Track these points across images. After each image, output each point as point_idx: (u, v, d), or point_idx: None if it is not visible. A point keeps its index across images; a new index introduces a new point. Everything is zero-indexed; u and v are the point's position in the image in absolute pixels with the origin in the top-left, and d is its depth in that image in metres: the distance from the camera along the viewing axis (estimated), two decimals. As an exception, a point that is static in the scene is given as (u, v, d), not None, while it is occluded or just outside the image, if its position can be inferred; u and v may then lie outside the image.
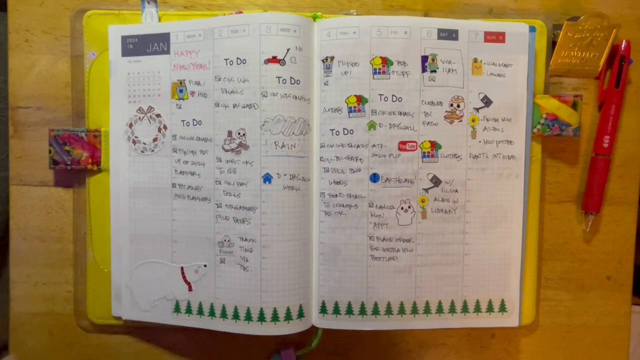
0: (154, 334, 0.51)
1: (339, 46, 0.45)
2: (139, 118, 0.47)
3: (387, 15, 0.48)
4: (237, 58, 0.45)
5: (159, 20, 0.48)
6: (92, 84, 0.48)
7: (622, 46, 0.48)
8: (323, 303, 0.47)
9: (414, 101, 0.46)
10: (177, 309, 0.47)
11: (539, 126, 0.48)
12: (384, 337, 0.51)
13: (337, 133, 0.46)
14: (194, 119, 0.46)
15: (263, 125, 0.44)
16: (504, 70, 0.47)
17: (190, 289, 0.47)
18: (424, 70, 0.46)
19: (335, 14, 0.48)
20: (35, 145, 0.49)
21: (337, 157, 0.46)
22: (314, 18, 0.46)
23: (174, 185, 0.47)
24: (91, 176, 0.48)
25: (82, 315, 0.50)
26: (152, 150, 0.47)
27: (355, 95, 0.45)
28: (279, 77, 0.44)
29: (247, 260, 0.45)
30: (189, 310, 0.47)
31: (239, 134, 0.45)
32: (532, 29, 0.47)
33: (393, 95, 0.45)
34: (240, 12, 0.46)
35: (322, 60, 0.45)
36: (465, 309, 0.48)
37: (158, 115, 0.47)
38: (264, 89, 0.44)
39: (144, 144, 0.47)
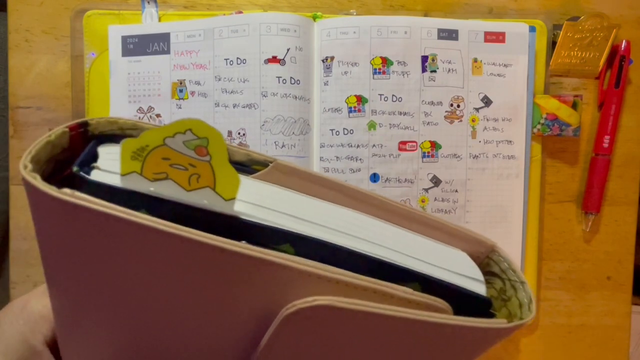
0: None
1: (339, 46, 0.45)
2: (139, 118, 0.47)
3: (387, 15, 0.48)
4: (237, 58, 0.45)
5: (159, 20, 0.48)
6: (92, 84, 0.48)
7: (622, 46, 0.48)
8: (323, 303, 0.47)
9: (414, 101, 0.46)
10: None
11: (539, 126, 0.48)
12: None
13: (337, 133, 0.46)
14: (194, 119, 0.46)
15: (263, 125, 0.44)
16: (504, 70, 0.47)
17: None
18: (424, 70, 0.46)
19: (335, 14, 0.47)
20: (35, 145, 0.49)
21: (337, 157, 0.46)
22: (314, 18, 0.46)
23: (174, 185, 0.47)
24: (91, 176, 0.48)
25: (82, 315, 0.50)
26: (152, 150, 0.47)
27: (355, 95, 0.45)
28: (279, 77, 0.44)
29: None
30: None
31: (239, 134, 0.45)
32: (532, 29, 0.47)
33: (393, 95, 0.45)
34: (240, 12, 0.46)
35: (322, 60, 0.45)
36: (465, 309, 0.47)
37: (158, 115, 0.47)
38: (264, 89, 0.44)
39: (144, 144, 0.47)
